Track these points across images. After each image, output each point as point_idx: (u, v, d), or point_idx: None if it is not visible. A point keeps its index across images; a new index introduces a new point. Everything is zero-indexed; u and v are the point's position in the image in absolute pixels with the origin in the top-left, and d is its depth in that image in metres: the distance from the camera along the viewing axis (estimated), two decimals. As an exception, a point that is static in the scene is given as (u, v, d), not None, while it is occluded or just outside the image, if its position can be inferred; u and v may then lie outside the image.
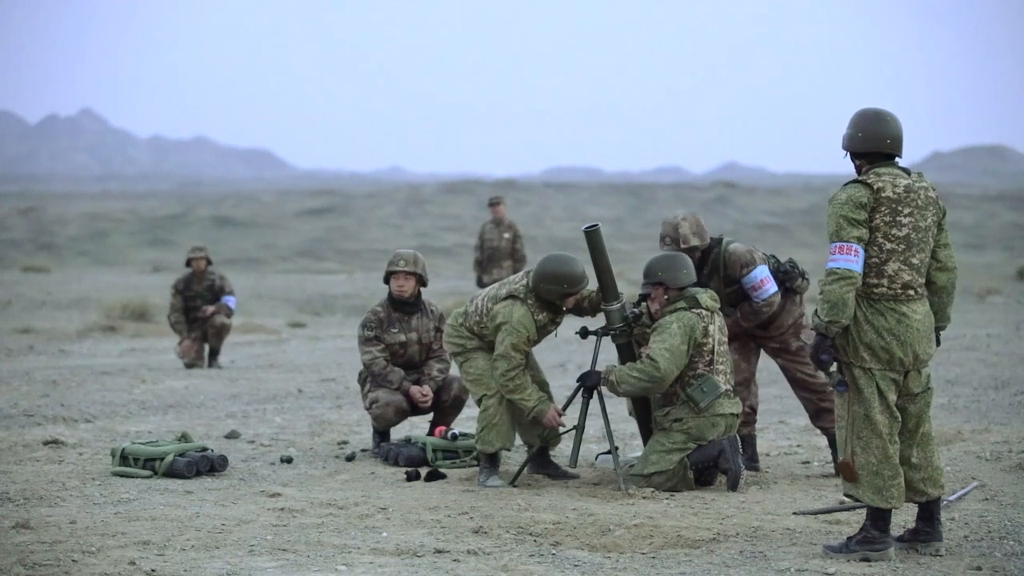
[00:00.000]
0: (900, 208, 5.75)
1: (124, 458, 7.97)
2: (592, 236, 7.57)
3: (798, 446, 9.24)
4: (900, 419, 5.84)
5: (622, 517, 6.67)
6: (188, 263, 15.17)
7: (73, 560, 5.69)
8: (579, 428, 7.77)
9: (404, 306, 8.88)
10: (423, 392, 8.73)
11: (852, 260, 5.67)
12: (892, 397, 5.81)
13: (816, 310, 5.75)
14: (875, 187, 5.74)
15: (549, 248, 47.50)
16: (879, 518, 5.85)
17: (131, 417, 10.58)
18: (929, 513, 5.96)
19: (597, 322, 8.07)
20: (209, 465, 7.97)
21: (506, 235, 18.39)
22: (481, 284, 18.59)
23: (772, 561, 5.82)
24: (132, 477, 7.82)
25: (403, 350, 8.87)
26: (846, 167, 6.09)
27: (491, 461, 7.84)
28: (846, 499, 7.08)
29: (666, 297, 7.56)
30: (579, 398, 7.80)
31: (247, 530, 6.38)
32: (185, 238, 49.78)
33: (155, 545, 6.02)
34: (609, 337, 7.77)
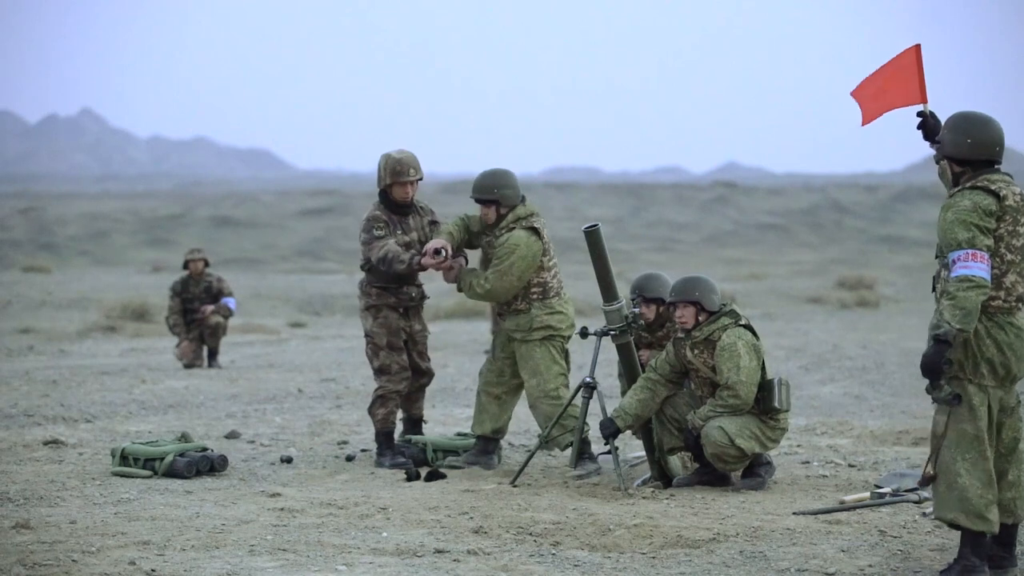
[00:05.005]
0: (1020, 217, 5.45)
1: (124, 458, 7.97)
2: (592, 236, 7.56)
3: (798, 446, 9.24)
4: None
5: (622, 517, 6.66)
6: (185, 265, 15.20)
7: (73, 560, 5.70)
8: (579, 428, 7.77)
9: (400, 208, 8.49)
10: (435, 247, 8.13)
11: (984, 268, 5.32)
12: (995, 414, 5.50)
13: (943, 315, 5.32)
14: (1000, 195, 5.42)
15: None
16: (979, 544, 5.47)
17: (131, 417, 10.58)
18: (1009, 537, 5.62)
19: (596, 322, 8.05)
20: (209, 465, 7.97)
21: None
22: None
23: (772, 561, 5.82)
24: (132, 477, 7.82)
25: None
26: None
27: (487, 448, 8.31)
28: (846, 500, 7.07)
29: (698, 318, 7.48)
30: (579, 398, 7.80)
31: (247, 530, 6.38)
32: (185, 238, 49.77)
33: (155, 545, 6.02)
34: (609, 337, 7.78)
